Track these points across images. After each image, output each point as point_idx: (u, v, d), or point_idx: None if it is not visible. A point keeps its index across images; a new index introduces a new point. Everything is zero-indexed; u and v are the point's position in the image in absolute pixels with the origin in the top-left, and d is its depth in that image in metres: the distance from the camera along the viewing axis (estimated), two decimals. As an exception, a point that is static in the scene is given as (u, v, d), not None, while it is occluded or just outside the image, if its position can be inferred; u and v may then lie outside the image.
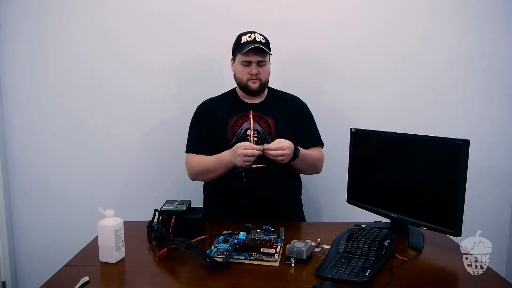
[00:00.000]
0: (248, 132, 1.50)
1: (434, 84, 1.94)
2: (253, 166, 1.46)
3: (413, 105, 1.95)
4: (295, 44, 1.90)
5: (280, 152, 1.35)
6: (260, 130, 1.51)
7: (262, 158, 1.46)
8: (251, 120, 1.52)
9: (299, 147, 1.43)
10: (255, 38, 1.47)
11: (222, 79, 1.78)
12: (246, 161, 1.35)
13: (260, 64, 1.49)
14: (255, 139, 1.50)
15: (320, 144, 1.60)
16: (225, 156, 1.41)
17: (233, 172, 1.46)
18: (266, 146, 1.36)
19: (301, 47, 1.92)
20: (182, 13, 1.89)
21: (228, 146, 1.47)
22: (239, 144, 1.35)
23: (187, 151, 1.56)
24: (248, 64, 1.49)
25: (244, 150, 1.33)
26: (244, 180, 1.46)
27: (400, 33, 1.92)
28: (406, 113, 1.95)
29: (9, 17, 1.89)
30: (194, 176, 1.54)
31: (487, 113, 1.96)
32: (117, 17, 1.90)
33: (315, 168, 1.57)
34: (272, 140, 1.47)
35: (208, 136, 1.53)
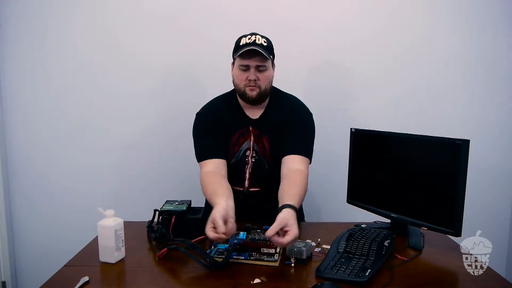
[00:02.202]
0: (248, 153, 1.44)
1: (434, 84, 1.95)
2: (250, 189, 1.45)
3: (413, 105, 1.95)
4: (294, 44, 1.90)
5: (294, 240, 1.07)
6: (257, 151, 1.45)
7: (259, 181, 1.45)
8: (252, 138, 1.45)
9: (290, 204, 1.14)
10: (255, 40, 1.35)
11: (223, 80, 1.78)
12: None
13: (259, 69, 1.36)
14: (253, 159, 1.45)
15: (304, 154, 1.39)
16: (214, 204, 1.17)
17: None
18: (274, 239, 1.05)
19: (300, 47, 1.92)
20: (182, 13, 1.89)
21: (227, 165, 1.43)
22: (211, 220, 1.08)
23: (200, 159, 1.43)
24: (246, 68, 1.37)
25: (209, 233, 1.07)
26: (242, 203, 1.41)
27: (400, 33, 1.92)
28: (406, 113, 1.95)
29: (9, 17, 1.89)
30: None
31: (487, 113, 1.96)
32: (117, 17, 1.90)
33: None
34: (267, 162, 1.42)
35: (215, 140, 1.43)
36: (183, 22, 1.90)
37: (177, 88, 1.96)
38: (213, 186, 1.28)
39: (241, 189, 1.46)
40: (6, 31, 1.90)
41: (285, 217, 1.08)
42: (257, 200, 1.44)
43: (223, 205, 1.12)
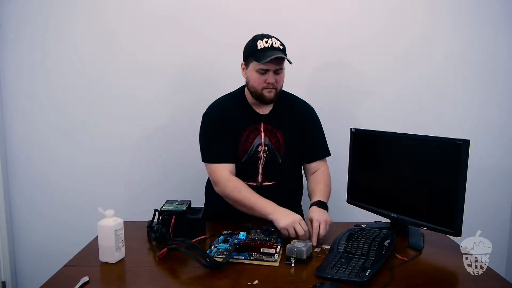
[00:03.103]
0: (260, 148, 1.46)
1: (434, 84, 1.95)
2: (263, 184, 1.47)
3: (413, 105, 1.95)
4: (295, 44, 1.88)
5: (327, 228, 1.27)
6: (270, 145, 1.47)
7: (272, 175, 1.47)
8: (262, 134, 1.47)
9: (320, 200, 1.37)
10: (272, 44, 1.38)
11: (223, 80, 1.78)
12: (288, 231, 1.23)
13: (277, 72, 1.40)
14: (265, 154, 1.47)
15: (327, 154, 1.55)
16: (270, 208, 1.29)
17: None
18: (315, 240, 1.23)
19: (300, 47, 1.91)
20: (182, 13, 1.89)
21: (239, 164, 1.46)
22: (298, 219, 1.24)
23: (209, 160, 1.44)
24: (264, 72, 1.39)
25: (299, 227, 1.21)
26: None
27: (400, 33, 1.92)
28: (406, 113, 1.95)
29: (9, 17, 1.89)
30: (223, 195, 1.42)
31: (487, 113, 1.96)
32: (117, 17, 1.90)
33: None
34: (281, 156, 1.47)
35: (227, 143, 1.45)
36: (183, 22, 1.90)
37: (177, 89, 1.96)
38: (252, 192, 1.38)
39: (255, 184, 1.47)
40: (6, 31, 1.90)
41: (309, 215, 1.31)
42: (270, 194, 1.44)
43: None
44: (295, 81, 1.88)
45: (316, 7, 1.90)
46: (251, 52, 1.40)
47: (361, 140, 1.44)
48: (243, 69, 1.47)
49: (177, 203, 1.35)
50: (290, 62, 1.41)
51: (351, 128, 1.45)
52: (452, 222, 1.14)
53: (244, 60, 1.46)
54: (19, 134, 1.98)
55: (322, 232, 1.24)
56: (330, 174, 1.53)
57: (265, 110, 1.50)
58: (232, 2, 1.88)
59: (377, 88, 1.95)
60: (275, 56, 1.34)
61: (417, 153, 1.27)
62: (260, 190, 1.43)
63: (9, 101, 1.95)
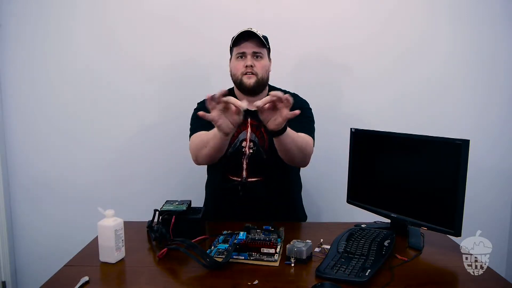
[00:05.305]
0: (244, 143, 1.45)
1: (434, 84, 1.95)
2: (248, 179, 1.46)
3: (413, 105, 1.96)
4: (294, 43, 1.90)
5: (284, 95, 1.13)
6: (256, 141, 1.46)
7: (257, 171, 1.45)
8: (249, 129, 1.46)
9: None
10: (249, 29, 1.40)
11: (223, 79, 1.78)
12: (223, 121, 1.16)
13: (256, 55, 1.41)
14: (251, 150, 1.45)
15: (309, 134, 1.42)
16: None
17: (229, 185, 1.44)
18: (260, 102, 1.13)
19: (300, 47, 1.92)
20: (182, 13, 1.89)
21: (222, 156, 1.43)
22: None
23: (191, 135, 1.44)
24: (242, 55, 1.41)
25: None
26: (240, 193, 1.45)
27: (400, 33, 1.92)
28: (406, 113, 1.95)
29: (9, 17, 1.89)
30: (194, 155, 1.39)
31: (487, 113, 1.97)
32: (117, 17, 1.91)
33: (303, 151, 1.34)
34: (265, 152, 1.45)
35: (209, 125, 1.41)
36: (183, 22, 1.90)
37: (177, 88, 1.96)
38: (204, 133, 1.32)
39: (239, 179, 1.46)
40: (6, 31, 1.90)
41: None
42: (257, 191, 1.44)
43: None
44: (294, 80, 1.90)
45: (316, 7, 1.90)
46: (231, 42, 1.44)
47: (361, 140, 1.44)
48: (230, 64, 1.49)
49: (177, 203, 1.35)
50: (264, 44, 1.40)
51: (351, 128, 1.45)
52: (452, 222, 1.14)
53: (230, 55, 1.49)
54: (19, 134, 1.98)
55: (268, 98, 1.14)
56: (312, 151, 1.41)
57: (253, 107, 1.49)
58: (232, 2, 1.89)
59: (377, 88, 1.95)
60: (245, 29, 1.37)
61: (417, 153, 1.27)
62: (245, 186, 1.44)
63: (9, 101, 1.96)
